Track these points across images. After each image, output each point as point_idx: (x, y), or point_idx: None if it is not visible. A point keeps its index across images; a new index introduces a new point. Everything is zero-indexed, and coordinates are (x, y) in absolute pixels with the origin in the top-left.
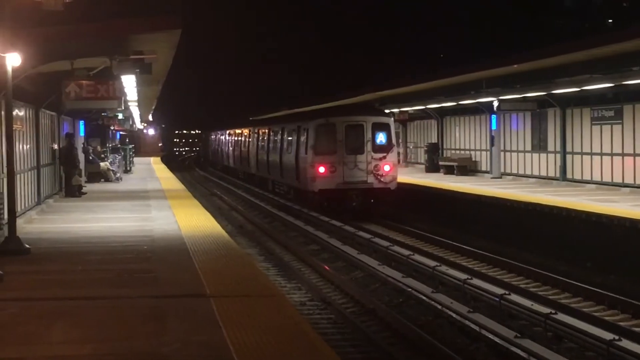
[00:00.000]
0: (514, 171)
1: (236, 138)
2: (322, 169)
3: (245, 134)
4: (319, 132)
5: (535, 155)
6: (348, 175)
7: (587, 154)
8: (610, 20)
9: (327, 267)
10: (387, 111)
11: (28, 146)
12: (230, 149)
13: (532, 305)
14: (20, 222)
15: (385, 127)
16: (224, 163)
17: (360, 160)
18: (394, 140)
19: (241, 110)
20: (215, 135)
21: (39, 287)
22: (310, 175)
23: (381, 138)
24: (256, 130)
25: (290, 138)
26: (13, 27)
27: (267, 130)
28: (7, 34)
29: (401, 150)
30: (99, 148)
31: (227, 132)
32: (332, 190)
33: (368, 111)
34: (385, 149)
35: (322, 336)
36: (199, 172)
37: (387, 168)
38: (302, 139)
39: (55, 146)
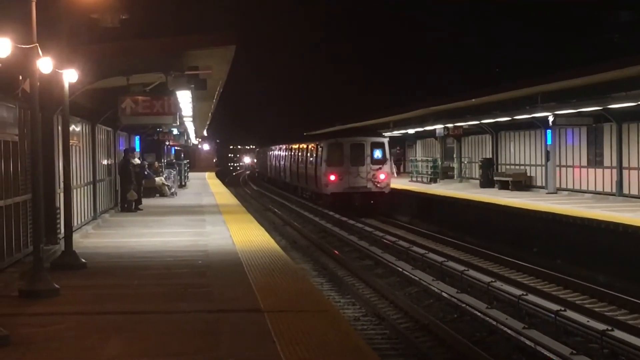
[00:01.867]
0: (569, 186)
1: (276, 153)
2: (333, 177)
3: (283, 150)
4: (331, 149)
5: (591, 171)
6: (352, 181)
7: None
8: None
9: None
10: (386, 134)
11: (84, 161)
12: (272, 162)
13: (588, 321)
14: (76, 236)
15: (381, 145)
16: (268, 175)
17: (362, 170)
18: (387, 155)
19: (291, 127)
20: (263, 151)
21: (95, 302)
22: (325, 182)
23: (377, 154)
24: (289, 147)
25: (311, 153)
26: (70, 43)
27: (297, 147)
28: (64, 50)
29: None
30: (156, 164)
31: (270, 148)
32: (340, 193)
33: (368, 133)
34: (381, 162)
35: (376, 352)
36: (253, 187)
37: (382, 176)
38: (319, 154)
39: (111, 161)
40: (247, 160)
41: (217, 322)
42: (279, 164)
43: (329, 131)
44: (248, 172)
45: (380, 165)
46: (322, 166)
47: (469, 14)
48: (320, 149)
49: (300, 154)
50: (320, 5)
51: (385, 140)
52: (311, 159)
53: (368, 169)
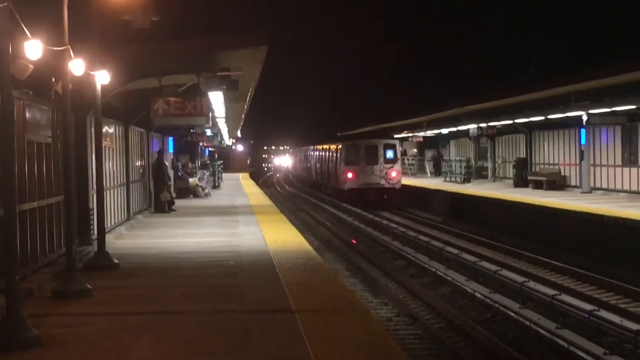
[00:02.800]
0: (604, 186)
1: (304, 154)
2: (350, 175)
3: (310, 151)
4: (348, 150)
5: (626, 170)
6: (367, 179)
7: None
8: None
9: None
10: (419, 134)
11: (118, 162)
12: (301, 162)
13: (621, 321)
14: (110, 237)
15: (392, 147)
16: (297, 173)
17: (375, 169)
18: (399, 155)
19: (325, 127)
20: (294, 152)
21: (127, 302)
22: (343, 179)
23: (390, 154)
24: (315, 148)
25: (332, 154)
26: (102, 45)
27: (320, 148)
28: (96, 52)
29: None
30: (189, 165)
31: (300, 149)
32: (357, 189)
33: (381, 136)
34: (393, 161)
35: (408, 352)
36: (287, 188)
37: (393, 174)
38: (338, 155)
39: (144, 162)
40: (277, 161)
41: (248, 322)
42: (307, 164)
43: (346, 134)
44: (277, 175)
45: (392, 164)
46: (341, 165)
47: (507, 14)
48: (339, 150)
49: (323, 154)
50: (357, 5)
51: (397, 142)
52: (332, 158)
53: (381, 168)
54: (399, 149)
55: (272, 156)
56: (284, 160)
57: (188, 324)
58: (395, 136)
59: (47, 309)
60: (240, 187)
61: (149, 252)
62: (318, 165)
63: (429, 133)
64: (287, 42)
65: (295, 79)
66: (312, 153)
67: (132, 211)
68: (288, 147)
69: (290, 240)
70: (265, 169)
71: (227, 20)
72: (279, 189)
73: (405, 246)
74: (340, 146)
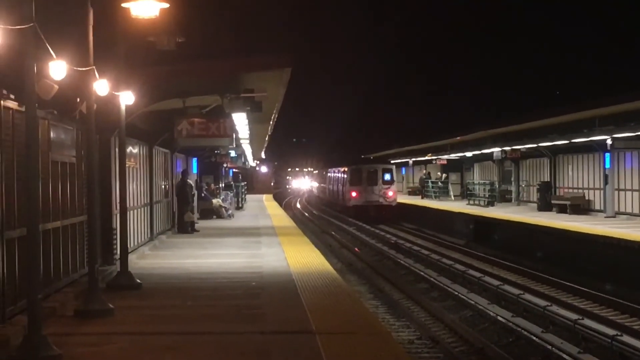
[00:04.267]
0: (628, 210)
1: (320, 176)
2: (354, 194)
3: (323, 173)
4: (353, 173)
5: None
6: (368, 197)
7: None
8: None
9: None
10: (443, 157)
11: (142, 183)
12: (317, 183)
13: None
14: (132, 257)
15: (389, 170)
16: (315, 194)
17: (375, 189)
18: (394, 178)
19: (348, 149)
20: (312, 174)
21: (149, 322)
22: (348, 197)
23: (387, 177)
24: (327, 171)
25: (339, 176)
26: (126, 66)
27: (331, 171)
28: (121, 73)
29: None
30: (212, 185)
31: (316, 171)
32: (359, 205)
33: (380, 162)
34: (390, 182)
35: None
36: (311, 209)
37: (390, 193)
38: (345, 176)
39: (168, 183)
40: (295, 183)
41: (269, 344)
42: (320, 185)
43: (352, 158)
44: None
45: (389, 185)
46: (347, 185)
47: (532, 36)
48: (345, 173)
49: (334, 176)
50: (381, 28)
51: (393, 167)
52: (341, 180)
53: (380, 188)
54: (394, 172)
55: (288, 178)
56: (303, 183)
57: (209, 345)
58: (392, 161)
59: (69, 328)
60: (264, 208)
61: (171, 273)
62: (330, 186)
63: (453, 156)
64: (310, 64)
65: (318, 99)
66: (326, 175)
67: (156, 231)
68: (310, 169)
69: (313, 262)
70: (289, 190)
71: (252, 42)
72: (303, 211)
73: (428, 269)
74: (346, 170)
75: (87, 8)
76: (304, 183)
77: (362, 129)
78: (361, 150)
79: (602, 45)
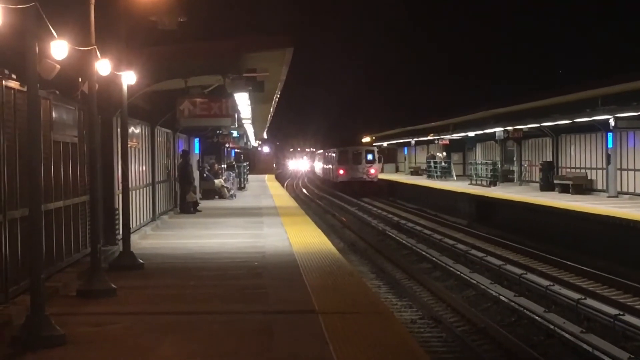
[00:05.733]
0: (631, 190)
1: (318, 156)
2: (341, 172)
3: (319, 153)
4: (341, 154)
5: None
6: (353, 174)
7: None
8: None
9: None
10: (446, 137)
11: (144, 163)
12: (313, 163)
13: None
14: (135, 237)
15: (372, 151)
16: (316, 172)
17: (359, 167)
18: (376, 158)
19: (349, 130)
20: (311, 154)
21: (151, 302)
22: (336, 174)
23: (370, 157)
24: (321, 151)
25: (332, 156)
26: (128, 46)
27: (326, 152)
28: (123, 53)
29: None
30: (216, 166)
31: (314, 151)
32: (346, 182)
33: (363, 144)
34: (372, 162)
35: (431, 355)
36: (313, 189)
37: (372, 171)
38: (334, 156)
39: (170, 163)
40: (292, 165)
41: (271, 323)
42: (319, 164)
43: (340, 141)
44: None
45: (371, 164)
46: (335, 164)
47: (534, 17)
48: (335, 153)
49: (327, 156)
50: (384, 8)
51: (375, 149)
52: (331, 160)
53: (363, 166)
54: (376, 153)
55: (286, 159)
56: (301, 164)
57: (212, 324)
58: (375, 144)
59: (71, 308)
60: (266, 188)
61: (173, 253)
62: (325, 165)
63: (456, 136)
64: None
65: (318, 80)
66: (323, 155)
67: (158, 212)
68: (311, 149)
69: (315, 241)
70: (291, 170)
71: (254, 22)
72: (305, 191)
73: (430, 249)
74: (335, 151)
75: None
76: (302, 164)
77: (363, 109)
78: (362, 131)
79: (604, 25)
